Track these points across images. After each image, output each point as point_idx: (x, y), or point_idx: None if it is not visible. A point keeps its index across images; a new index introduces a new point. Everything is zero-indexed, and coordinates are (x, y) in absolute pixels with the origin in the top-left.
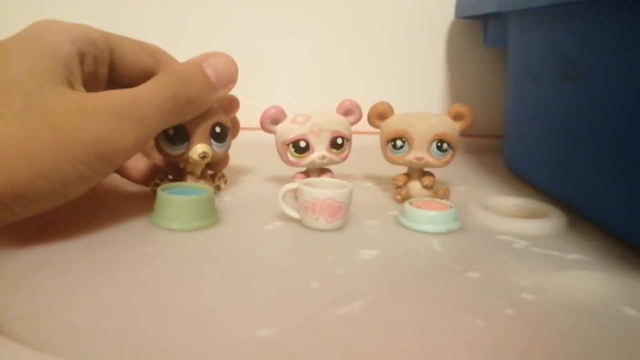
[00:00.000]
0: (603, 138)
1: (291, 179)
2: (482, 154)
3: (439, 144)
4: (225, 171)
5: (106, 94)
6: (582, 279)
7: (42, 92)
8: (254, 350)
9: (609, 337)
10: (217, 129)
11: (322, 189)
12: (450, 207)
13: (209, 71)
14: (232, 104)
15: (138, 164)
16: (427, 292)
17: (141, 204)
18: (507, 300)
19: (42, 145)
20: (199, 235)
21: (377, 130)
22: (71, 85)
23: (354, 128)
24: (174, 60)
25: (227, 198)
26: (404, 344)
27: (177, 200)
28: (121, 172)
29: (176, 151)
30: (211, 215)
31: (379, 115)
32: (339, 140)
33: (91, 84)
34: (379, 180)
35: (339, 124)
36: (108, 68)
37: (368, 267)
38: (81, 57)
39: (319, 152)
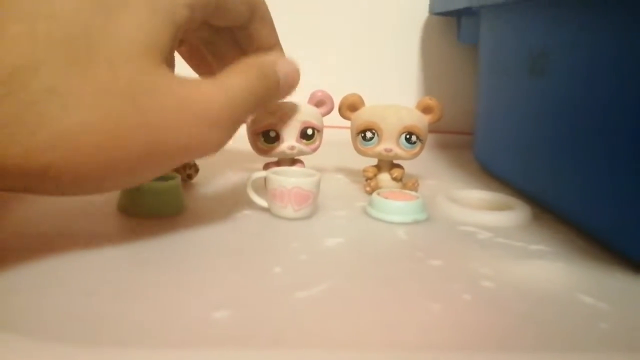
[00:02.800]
0: (565, 131)
1: (263, 168)
2: (453, 150)
3: (407, 136)
4: (197, 161)
5: (205, 88)
6: (542, 268)
7: (146, 78)
8: (208, 330)
9: (563, 321)
10: None
11: (290, 177)
12: (417, 197)
13: (280, 76)
14: None
15: None
16: (387, 277)
17: None
18: (466, 286)
19: (130, 150)
20: (165, 223)
21: (349, 123)
22: (169, 61)
23: (328, 122)
24: (269, 16)
25: (197, 187)
26: (359, 325)
27: (142, 187)
28: None
29: None
30: (177, 203)
31: (350, 106)
32: (309, 131)
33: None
34: (349, 172)
35: (310, 114)
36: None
37: (332, 254)
38: (189, 23)
39: (289, 142)
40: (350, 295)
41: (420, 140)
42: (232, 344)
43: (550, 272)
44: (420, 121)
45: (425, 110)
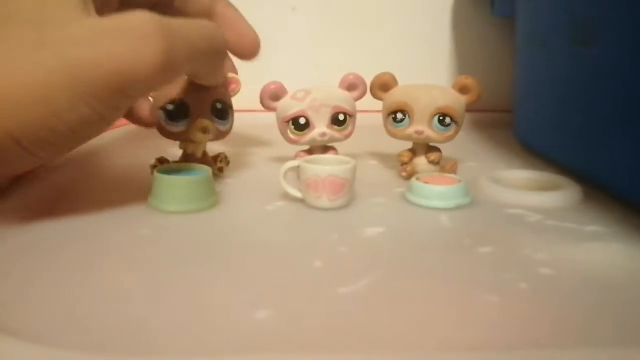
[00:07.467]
0: (617, 104)
1: (294, 158)
2: (491, 129)
3: (440, 118)
4: (228, 153)
5: (129, 14)
6: (601, 251)
7: (56, 22)
8: (252, 332)
9: (637, 312)
10: (219, 105)
11: (324, 166)
12: (460, 181)
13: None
14: (232, 85)
15: (145, 105)
16: (435, 268)
17: (139, 187)
18: (522, 275)
19: (55, 84)
20: (198, 217)
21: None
22: (87, 12)
23: (360, 106)
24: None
25: (228, 180)
26: (412, 321)
27: (173, 181)
28: (129, 116)
29: (177, 128)
30: (210, 196)
31: (382, 86)
32: (341, 117)
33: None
34: (384, 158)
35: (341, 99)
36: None
37: (374, 244)
38: None
39: (320, 129)
40: (397, 289)
41: (455, 122)
42: (277, 347)
43: (610, 256)
44: (455, 102)
45: (463, 90)
